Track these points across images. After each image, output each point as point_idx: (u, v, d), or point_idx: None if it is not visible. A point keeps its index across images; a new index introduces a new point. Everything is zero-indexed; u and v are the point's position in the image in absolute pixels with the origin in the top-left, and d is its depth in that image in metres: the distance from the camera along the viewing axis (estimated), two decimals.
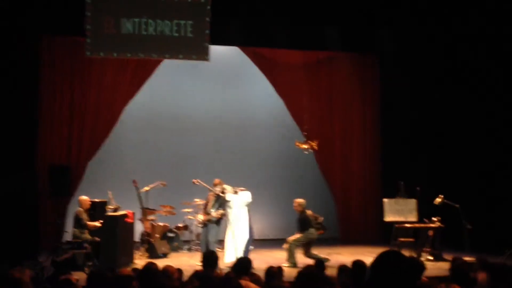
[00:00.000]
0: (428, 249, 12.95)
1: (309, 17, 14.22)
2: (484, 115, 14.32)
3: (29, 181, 12.08)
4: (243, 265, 7.04)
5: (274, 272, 7.06)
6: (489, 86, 14.20)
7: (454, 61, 14.79)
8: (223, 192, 12.09)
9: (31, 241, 11.84)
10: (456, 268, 6.06)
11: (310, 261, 10.64)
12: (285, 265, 11.29)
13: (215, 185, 12.24)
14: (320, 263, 8.57)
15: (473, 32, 14.03)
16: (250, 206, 12.16)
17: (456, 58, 14.73)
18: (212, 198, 12.18)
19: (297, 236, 12.30)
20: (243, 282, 5.89)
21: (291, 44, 14.78)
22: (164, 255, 13.27)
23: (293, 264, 11.76)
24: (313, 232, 12.38)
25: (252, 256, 12.43)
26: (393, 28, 14.61)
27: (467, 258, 7.83)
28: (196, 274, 6.27)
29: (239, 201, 12.05)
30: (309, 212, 12.55)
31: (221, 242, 12.46)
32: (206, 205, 12.40)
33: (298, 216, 12.54)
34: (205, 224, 12.10)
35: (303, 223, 12.45)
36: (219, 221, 12.12)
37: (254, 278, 6.55)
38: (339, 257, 12.63)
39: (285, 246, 12.18)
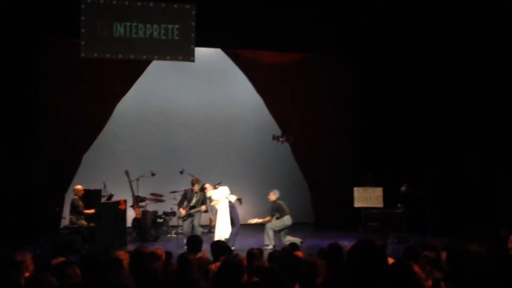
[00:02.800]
0: (393, 233, 13.08)
1: (286, 21, 14.24)
2: (443, 113, 14.44)
3: (29, 171, 12.03)
4: (221, 247, 7.07)
5: (255, 254, 7.10)
6: (449, 86, 14.32)
7: (418, 63, 14.88)
8: (202, 189, 12.24)
9: (32, 227, 11.80)
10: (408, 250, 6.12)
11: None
12: (266, 247, 11.45)
13: (192, 183, 12.38)
14: (294, 245, 8.59)
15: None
16: (229, 197, 12.28)
17: (419, 60, 14.82)
18: (194, 195, 12.31)
19: (274, 222, 12.41)
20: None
21: (270, 46, 14.81)
22: (154, 239, 13.30)
23: (273, 246, 11.88)
24: (288, 219, 12.47)
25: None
26: (361, 33, 14.66)
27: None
28: (180, 256, 6.28)
29: (219, 195, 12.18)
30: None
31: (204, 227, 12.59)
32: (181, 201, 12.53)
33: (272, 205, 12.65)
34: (189, 215, 12.23)
35: (279, 211, 12.57)
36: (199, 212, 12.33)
37: (237, 259, 6.59)
38: (314, 240, 12.73)
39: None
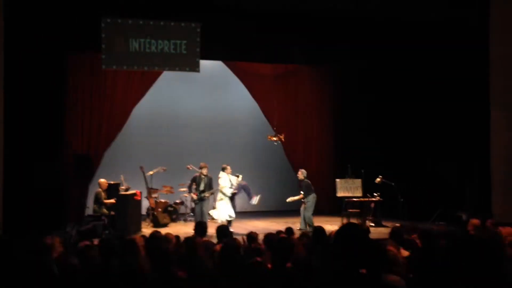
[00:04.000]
0: (370, 218, 13.10)
1: (276, 37, 14.22)
2: (413, 116, 14.49)
3: (58, 167, 12.03)
4: (223, 231, 7.06)
5: (253, 236, 7.10)
6: (417, 94, 14.37)
7: (390, 74, 14.91)
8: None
9: (60, 215, 11.79)
10: (394, 232, 6.14)
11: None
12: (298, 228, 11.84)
13: (201, 167, 12.37)
14: (290, 229, 8.53)
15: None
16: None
17: (390, 71, 14.86)
18: (201, 180, 12.27)
19: (306, 207, 12.64)
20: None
21: (264, 58, 14.80)
22: (165, 225, 13.29)
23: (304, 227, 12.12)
24: (314, 197, 12.66)
25: (235, 224, 12.62)
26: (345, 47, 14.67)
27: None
28: (186, 239, 6.28)
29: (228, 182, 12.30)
30: None
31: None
32: (190, 185, 12.49)
33: (300, 183, 12.87)
34: (200, 199, 12.20)
35: (307, 188, 12.67)
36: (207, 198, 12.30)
37: (235, 241, 6.58)
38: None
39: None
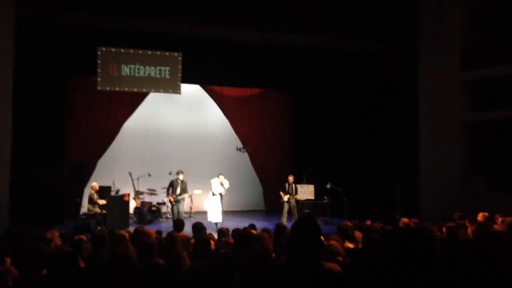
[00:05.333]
0: (321, 217, 13.21)
1: (245, 64, 14.33)
2: (356, 134, 14.71)
3: (58, 172, 11.84)
4: (197, 227, 7.01)
5: (223, 231, 7.11)
6: (358, 115, 14.61)
7: (338, 98, 15.14)
8: (182, 181, 12.13)
9: (59, 213, 11.58)
10: (340, 228, 6.24)
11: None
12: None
13: (177, 173, 12.28)
14: (253, 225, 8.53)
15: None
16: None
17: (339, 97, 15.09)
18: (177, 184, 12.19)
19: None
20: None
21: (234, 83, 14.89)
22: (150, 222, 13.18)
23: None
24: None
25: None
26: (302, 75, 14.85)
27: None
28: (167, 234, 6.28)
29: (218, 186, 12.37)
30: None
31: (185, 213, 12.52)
32: (168, 189, 12.36)
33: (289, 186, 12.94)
34: (176, 201, 12.11)
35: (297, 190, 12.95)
36: (183, 200, 12.20)
37: (206, 236, 6.59)
38: (265, 223, 12.76)
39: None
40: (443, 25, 12.85)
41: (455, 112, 12.61)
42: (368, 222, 6.95)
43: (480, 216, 7.49)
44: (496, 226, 6.54)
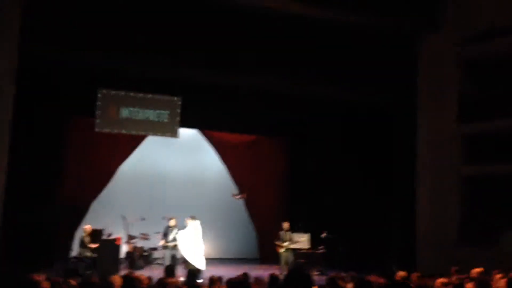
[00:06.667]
0: (316, 267, 12.99)
1: (244, 111, 14.53)
2: (351, 183, 14.72)
3: (50, 214, 11.75)
4: (193, 275, 6.91)
5: (214, 280, 6.97)
6: (355, 165, 14.67)
7: (334, 145, 15.23)
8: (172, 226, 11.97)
9: (49, 255, 11.40)
10: (329, 280, 6.12)
11: None
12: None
13: (169, 220, 12.16)
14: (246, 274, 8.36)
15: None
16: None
17: (336, 143, 15.19)
18: (170, 231, 12.08)
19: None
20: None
21: (231, 128, 15.04)
22: (141, 268, 12.94)
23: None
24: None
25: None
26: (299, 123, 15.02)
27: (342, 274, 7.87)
28: (158, 280, 6.18)
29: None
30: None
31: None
32: (164, 234, 12.20)
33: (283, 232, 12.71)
34: (165, 247, 11.90)
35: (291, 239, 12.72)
36: (175, 246, 11.97)
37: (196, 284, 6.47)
38: (258, 271, 12.54)
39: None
40: (440, 77, 13.10)
41: (452, 165, 12.66)
42: (373, 278, 6.81)
43: (476, 271, 7.38)
44: (494, 282, 6.45)
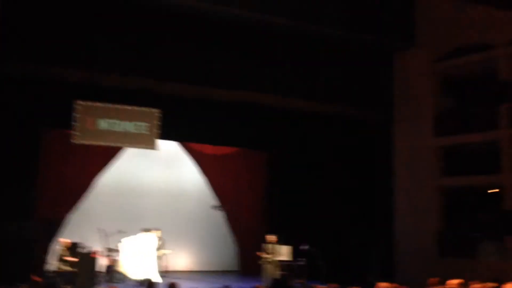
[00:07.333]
0: (298, 280, 13.00)
1: (223, 124, 14.60)
2: (331, 196, 14.87)
3: (26, 228, 11.56)
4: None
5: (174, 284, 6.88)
6: (333, 178, 14.84)
7: (312, 159, 15.39)
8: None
9: (25, 269, 11.17)
10: None
11: None
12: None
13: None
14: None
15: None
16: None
17: (313, 157, 15.34)
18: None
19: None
20: None
21: (211, 141, 15.06)
22: (121, 281, 12.77)
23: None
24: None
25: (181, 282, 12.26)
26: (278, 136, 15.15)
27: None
28: None
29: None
30: None
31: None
32: None
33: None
34: None
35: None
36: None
37: None
38: (239, 284, 12.53)
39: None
40: (416, 91, 13.44)
41: (429, 177, 12.95)
42: None
43: (453, 283, 7.52)
44: None
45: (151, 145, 13.62)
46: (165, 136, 13.96)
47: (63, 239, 12.13)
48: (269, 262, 12.54)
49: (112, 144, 13.48)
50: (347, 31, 12.33)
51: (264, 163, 16.50)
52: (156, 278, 11.38)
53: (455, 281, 7.59)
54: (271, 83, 12.75)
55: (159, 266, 12.23)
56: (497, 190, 12.52)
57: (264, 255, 12.63)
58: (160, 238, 11.97)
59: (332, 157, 14.97)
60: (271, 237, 12.87)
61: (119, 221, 14.47)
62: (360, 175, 14.36)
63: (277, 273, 12.48)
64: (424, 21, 13.31)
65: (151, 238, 11.90)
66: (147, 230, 11.87)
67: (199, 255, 15.35)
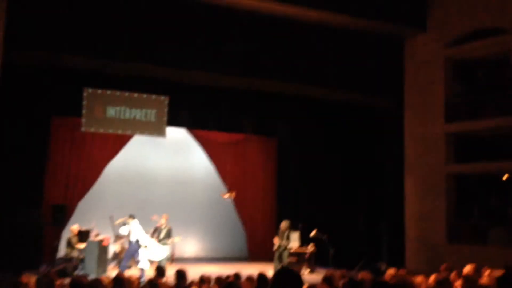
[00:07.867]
0: (306, 265, 13.05)
1: (232, 110, 14.58)
2: (341, 183, 14.83)
3: (36, 214, 11.66)
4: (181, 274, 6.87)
5: (205, 279, 6.99)
6: (345, 165, 14.76)
7: (323, 147, 15.33)
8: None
9: (36, 257, 11.32)
10: (326, 277, 6.15)
11: None
12: None
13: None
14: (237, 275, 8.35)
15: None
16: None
17: (325, 145, 15.27)
18: (162, 229, 12.09)
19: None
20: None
21: (219, 127, 15.06)
22: (129, 267, 12.88)
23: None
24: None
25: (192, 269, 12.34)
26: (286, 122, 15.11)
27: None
28: (149, 281, 6.18)
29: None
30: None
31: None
32: (153, 233, 12.23)
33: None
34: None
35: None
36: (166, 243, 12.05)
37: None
38: (248, 270, 12.56)
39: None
40: (427, 77, 13.27)
41: (439, 163, 12.83)
42: (363, 275, 6.87)
43: (467, 269, 7.49)
44: (483, 280, 6.55)
45: (159, 133, 13.65)
46: (174, 123, 13.98)
47: (73, 226, 12.26)
48: (284, 249, 12.47)
49: (121, 131, 13.53)
50: (357, 18, 12.19)
51: (273, 149, 16.47)
52: (144, 265, 11.37)
53: (468, 267, 7.54)
54: (281, 70, 12.67)
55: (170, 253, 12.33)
56: (510, 176, 12.41)
57: (277, 242, 12.60)
58: (165, 225, 12.04)
59: (342, 145, 14.90)
60: (285, 223, 12.76)
61: (129, 208, 14.55)
62: (371, 162, 14.29)
63: (288, 261, 12.47)
64: (436, 5, 13.11)
65: (135, 226, 11.82)
66: (132, 216, 11.81)
67: (207, 242, 15.40)
